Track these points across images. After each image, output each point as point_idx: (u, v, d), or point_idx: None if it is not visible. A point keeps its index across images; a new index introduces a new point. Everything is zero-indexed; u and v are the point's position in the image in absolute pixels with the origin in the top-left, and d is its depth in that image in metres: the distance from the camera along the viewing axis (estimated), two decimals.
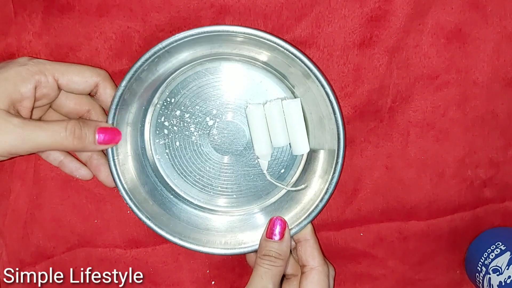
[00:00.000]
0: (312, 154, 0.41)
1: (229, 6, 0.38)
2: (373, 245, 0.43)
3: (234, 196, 0.42)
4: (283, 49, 0.36)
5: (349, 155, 0.41)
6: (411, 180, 0.42)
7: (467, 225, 0.44)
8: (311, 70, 0.36)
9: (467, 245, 0.44)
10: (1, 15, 0.38)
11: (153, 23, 0.38)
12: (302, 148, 0.40)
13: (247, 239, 0.39)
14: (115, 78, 0.39)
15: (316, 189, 0.40)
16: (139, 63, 0.36)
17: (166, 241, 0.42)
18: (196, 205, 0.42)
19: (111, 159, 0.37)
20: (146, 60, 0.36)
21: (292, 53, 0.36)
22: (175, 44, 0.36)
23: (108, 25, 0.38)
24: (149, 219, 0.38)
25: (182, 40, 0.36)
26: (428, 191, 0.42)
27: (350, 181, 0.42)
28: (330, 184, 0.38)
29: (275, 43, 0.36)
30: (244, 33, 0.36)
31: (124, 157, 0.38)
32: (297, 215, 0.39)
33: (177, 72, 0.40)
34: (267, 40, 0.36)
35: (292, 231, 0.38)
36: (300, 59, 0.36)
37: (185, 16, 0.38)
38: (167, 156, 0.41)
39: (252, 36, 0.36)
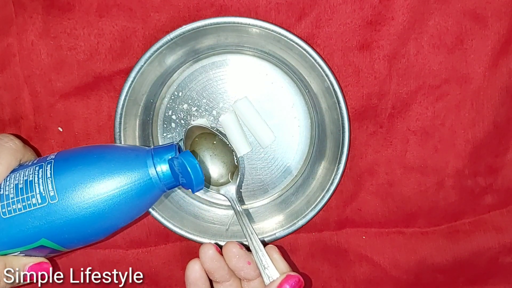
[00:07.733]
0: (318, 147, 0.41)
1: (229, 6, 0.38)
2: (374, 250, 0.43)
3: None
4: (288, 40, 0.37)
5: (350, 157, 0.41)
6: (410, 187, 0.42)
7: (470, 231, 0.43)
8: (315, 60, 0.37)
9: (469, 253, 0.43)
10: (2, 15, 0.38)
11: (153, 23, 0.38)
12: (267, 138, 0.41)
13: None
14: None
15: (322, 180, 0.40)
16: (148, 54, 0.37)
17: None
18: (203, 199, 0.42)
19: None
20: (155, 51, 0.37)
21: (296, 43, 0.37)
22: (183, 35, 0.36)
23: (108, 25, 0.38)
24: (157, 212, 0.39)
25: (190, 32, 0.36)
26: (428, 198, 0.42)
27: (350, 183, 0.42)
28: (335, 174, 0.39)
29: (282, 35, 0.37)
30: (250, 24, 0.37)
31: None
32: (304, 206, 0.40)
33: (185, 65, 0.40)
34: (274, 32, 0.37)
35: (299, 223, 0.39)
36: (306, 50, 0.37)
37: (185, 16, 0.38)
38: None
39: (260, 29, 0.37)
